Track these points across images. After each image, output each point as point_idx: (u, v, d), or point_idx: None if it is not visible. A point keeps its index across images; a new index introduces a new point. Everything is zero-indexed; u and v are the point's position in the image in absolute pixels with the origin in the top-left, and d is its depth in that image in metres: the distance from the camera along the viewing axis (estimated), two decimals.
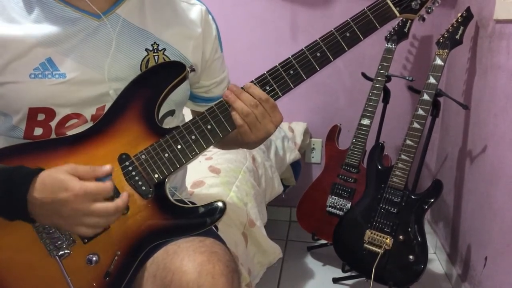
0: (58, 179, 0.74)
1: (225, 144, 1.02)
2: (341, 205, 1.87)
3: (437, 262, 2.01)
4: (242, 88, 0.84)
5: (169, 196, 0.85)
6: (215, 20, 1.01)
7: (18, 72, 0.82)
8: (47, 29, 0.83)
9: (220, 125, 0.84)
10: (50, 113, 0.85)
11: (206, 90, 1.03)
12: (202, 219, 0.84)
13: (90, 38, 0.85)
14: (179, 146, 0.84)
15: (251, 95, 0.82)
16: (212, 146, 0.89)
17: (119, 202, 0.77)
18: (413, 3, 0.86)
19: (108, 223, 0.78)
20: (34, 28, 0.82)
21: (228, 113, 0.84)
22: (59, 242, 0.80)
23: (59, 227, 0.78)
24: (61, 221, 0.75)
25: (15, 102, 0.84)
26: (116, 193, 0.82)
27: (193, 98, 1.04)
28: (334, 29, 0.84)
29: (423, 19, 0.90)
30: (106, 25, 0.86)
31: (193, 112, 1.08)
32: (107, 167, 0.78)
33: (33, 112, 0.84)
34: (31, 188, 0.74)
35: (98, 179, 0.77)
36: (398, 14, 0.85)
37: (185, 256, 0.79)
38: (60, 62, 0.83)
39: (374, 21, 0.84)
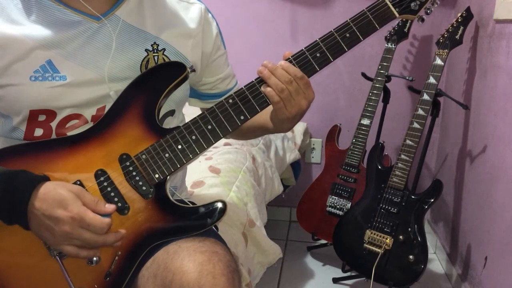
0: (61, 195, 0.74)
1: (250, 132, 1.02)
2: (341, 205, 1.87)
3: (437, 262, 2.01)
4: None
5: (170, 196, 0.85)
6: (215, 18, 1.01)
7: (19, 75, 0.82)
8: (47, 31, 0.83)
9: (220, 125, 0.84)
10: (50, 114, 0.85)
11: (211, 86, 1.04)
12: (202, 219, 0.84)
13: (90, 40, 0.85)
14: (179, 146, 0.84)
15: (286, 71, 0.82)
16: (212, 146, 0.89)
17: (110, 237, 0.77)
18: (412, 4, 0.86)
19: (90, 252, 0.77)
20: (34, 30, 0.82)
21: (228, 113, 0.84)
22: None
23: (47, 241, 0.77)
24: (50, 237, 0.75)
25: (15, 104, 0.84)
26: (116, 194, 0.82)
27: (200, 96, 1.05)
28: (333, 29, 0.84)
29: (422, 20, 0.90)
30: (106, 27, 0.86)
31: (202, 110, 1.08)
32: (111, 207, 0.78)
33: (34, 114, 0.85)
34: (33, 195, 0.74)
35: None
36: (397, 15, 0.86)
37: (185, 256, 0.79)
38: (60, 65, 0.83)
39: (374, 22, 0.85)
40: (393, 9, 0.85)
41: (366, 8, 0.85)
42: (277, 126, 0.92)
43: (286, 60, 0.84)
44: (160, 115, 0.89)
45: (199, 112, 0.86)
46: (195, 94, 1.06)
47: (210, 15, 1.00)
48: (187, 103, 1.07)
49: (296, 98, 0.83)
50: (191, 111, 1.08)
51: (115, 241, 0.78)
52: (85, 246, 0.76)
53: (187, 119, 0.87)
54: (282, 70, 0.82)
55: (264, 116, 0.89)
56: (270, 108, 0.86)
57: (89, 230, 0.74)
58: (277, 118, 0.87)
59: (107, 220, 0.76)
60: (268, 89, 0.83)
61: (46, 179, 0.77)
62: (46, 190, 0.74)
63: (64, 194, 0.74)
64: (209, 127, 0.84)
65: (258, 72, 0.84)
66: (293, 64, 0.84)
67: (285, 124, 0.89)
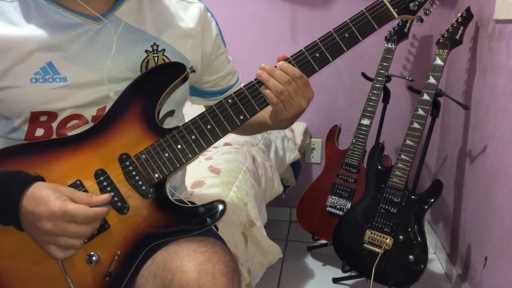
0: (45, 193, 0.73)
1: (251, 128, 1.02)
2: (341, 205, 1.87)
3: (437, 262, 2.01)
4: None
5: (169, 196, 0.85)
6: (214, 17, 1.01)
7: (19, 77, 0.82)
8: (47, 33, 0.83)
9: (220, 125, 0.84)
10: (52, 115, 0.85)
11: (213, 84, 1.04)
12: (202, 219, 0.84)
13: (91, 41, 0.85)
14: (179, 146, 0.84)
15: (284, 72, 0.82)
16: (212, 146, 0.89)
17: (96, 225, 0.76)
18: (411, 5, 0.86)
19: (80, 245, 0.76)
20: (34, 32, 0.82)
21: (228, 113, 0.84)
22: None
23: (35, 241, 0.77)
24: (36, 236, 0.75)
25: (16, 106, 0.84)
26: (116, 193, 0.82)
27: (203, 94, 1.05)
28: (333, 30, 0.85)
29: (421, 20, 0.90)
30: (106, 28, 0.86)
31: (206, 107, 1.08)
32: (104, 196, 0.78)
33: (35, 115, 0.85)
34: (23, 195, 0.74)
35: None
36: (396, 15, 0.86)
37: (185, 256, 0.79)
38: (60, 66, 0.83)
39: (373, 22, 0.85)
40: (392, 9, 0.85)
41: (365, 9, 0.85)
42: (276, 125, 0.93)
43: (285, 60, 0.84)
44: (160, 116, 0.89)
45: (200, 111, 0.86)
46: (198, 93, 1.06)
47: (209, 14, 1.00)
48: (189, 102, 1.07)
49: (296, 98, 0.83)
50: (191, 111, 1.08)
51: (103, 213, 0.76)
52: (71, 246, 0.75)
53: (187, 119, 0.87)
54: (280, 71, 0.82)
55: (263, 113, 0.89)
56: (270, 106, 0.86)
57: (76, 222, 0.73)
58: (276, 118, 0.87)
59: (96, 208, 0.75)
60: (267, 91, 0.83)
61: (40, 179, 0.77)
62: (34, 189, 0.74)
63: (48, 192, 0.73)
64: (209, 127, 0.84)
65: (257, 75, 0.84)
66: (292, 64, 0.84)
67: (284, 123, 0.90)
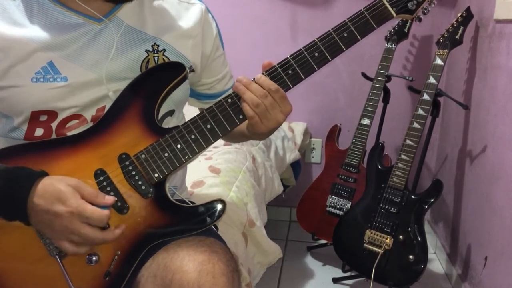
0: (59, 190, 0.74)
1: (234, 136, 1.02)
2: (341, 205, 1.87)
3: (437, 262, 2.01)
4: (252, 80, 0.84)
5: (169, 196, 0.85)
6: (215, 18, 1.01)
7: (20, 76, 0.82)
8: (48, 33, 0.83)
9: (219, 125, 0.84)
10: (52, 114, 0.86)
11: (209, 87, 1.04)
12: (202, 219, 0.84)
13: (92, 42, 0.86)
14: (178, 146, 0.84)
15: (260, 85, 0.82)
16: (212, 146, 0.89)
17: (109, 235, 0.78)
18: (409, 4, 0.86)
19: (90, 247, 0.78)
20: (36, 32, 0.82)
21: (227, 112, 0.84)
22: None
23: (46, 235, 0.79)
24: (49, 232, 0.76)
25: (17, 105, 0.84)
26: (116, 193, 0.82)
27: (197, 96, 1.05)
28: (331, 29, 0.85)
29: (420, 20, 0.90)
30: (108, 29, 0.86)
31: (200, 110, 1.08)
32: (110, 198, 0.78)
33: (35, 114, 0.85)
34: (32, 191, 0.74)
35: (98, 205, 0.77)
36: (394, 15, 0.86)
37: (185, 256, 0.80)
38: (61, 66, 0.84)
39: (371, 22, 0.85)
40: (390, 8, 0.85)
41: (363, 8, 0.85)
42: (253, 137, 0.94)
43: (271, 68, 0.84)
44: (160, 115, 0.89)
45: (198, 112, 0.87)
46: (193, 94, 1.06)
47: (210, 15, 1.00)
48: (187, 103, 1.07)
49: (272, 112, 0.83)
50: (191, 111, 1.08)
51: (114, 237, 0.78)
52: (84, 243, 0.77)
53: (187, 119, 0.87)
54: (256, 84, 0.82)
55: (244, 124, 0.89)
56: None
57: (89, 223, 0.75)
58: (252, 130, 0.86)
59: (106, 211, 0.76)
60: (244, 103, 0.83)
61: (45, 174, 0.77)
62: (45, 185, 0.75)
63: (63, 189, 0.74)
64: (208, 126, 0.84)
65: (233, 88, 0.84)
66: (276, 74, 0.83)
67: (260, 136, 0.90)
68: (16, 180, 0.75)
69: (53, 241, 0.78)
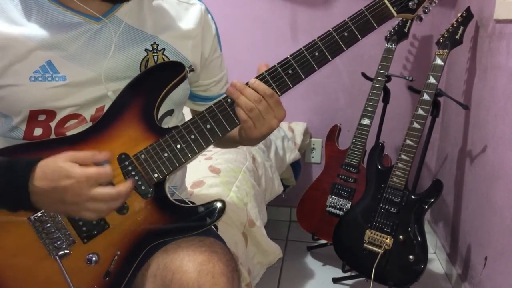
0: (59, 166, 0.74)
1: (226, 142, 1.02)
2: (341, 205, 1.87)
3: (437, 262, 2.01)
4: (246, 84, 0.84)
5: (169, 196, 0.85)
6: (214, 19, 1.01)
7: (19, 75, 0.82)
8: (47, 32, 0.83)
9: (219, 125, 0.84)
10: (50, 114, 0.85)
11: (205, 89, 1.04)
12: (202, 219, 0.84)
13: (90, 41, 0.85)
14: (178, 146, 0.84)
15: (255, 90, 0.82)
16: (212, 146, 0.89)
17: (121, 187, 0.77)
18: (410, 3, 0.86)
19: (110, 208, 0.78)
20: (34, 30, 0.82)
21: (227, 112, 0.84)
22: (58, 242, 0.80)
23: (65, 213, 0.79)
24: (65, 208, 0.76)
25: (15, 104, 0.84)
26: None
27: (192, 97, 1.05)
28: (332, 28, 0.84)
29: (421, 19, 0.90)
30: (106, 28, 0.86)
31: (192, 111, 1.08)
32: (105, 152, 0.79)
33: (34, 114, 0.85)
34: (31, 177, 0.74)
35: (97, 164, 0.77)
36: (395, 14, 0.86)
37: (185, 256, 0.80)
38: (60, 65, 0.83)
39: (372, 21, 0.85)
40: (391, 8, 0.85)
41: (364, 7, 0.85)
42: (245, 142, 0.93)
43: (269, 70, 0.84)
44: (159, 115, 0.89)
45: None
46: (189, 95, 1.06)
47: (210, 16, 1.00)
48: None
49: (266, 117, 0.83)
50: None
51: (127, 189, 0.77)
52: (101, 207, 0.76)
53: (187, 119, 0.87)
54: (250, 89, 0.82)
55: (234, 130, 0.88)
56: None
57: (99, 183, 0.75)
58: (246, 135, 0.86)
59: (108, 167, 0.77)
60: (237, 108, 0.82)
61: (41, 160, 0.77)
62: (42, 168, 0.75)
63: (60, 164, 0.74)
64: (208, 126, 0.84)
65: (227, 92, 0.84)
66: (275, 75, 0.83)
67: (253, 141, 0.90)
68: (14, 170, 0.75)
69: (74, 215, 0.78)
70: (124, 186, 0.78)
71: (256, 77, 0.85)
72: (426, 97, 1.59)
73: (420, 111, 1.59)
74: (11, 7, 0.83)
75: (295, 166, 2.14)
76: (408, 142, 1.60)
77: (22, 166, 0.76)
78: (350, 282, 1.84)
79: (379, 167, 1.68)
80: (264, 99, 0.82)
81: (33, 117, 0.85)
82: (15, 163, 0.77)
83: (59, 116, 0.86)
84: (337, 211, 1.87)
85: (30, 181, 0.74)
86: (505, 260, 1.40)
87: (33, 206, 0.76)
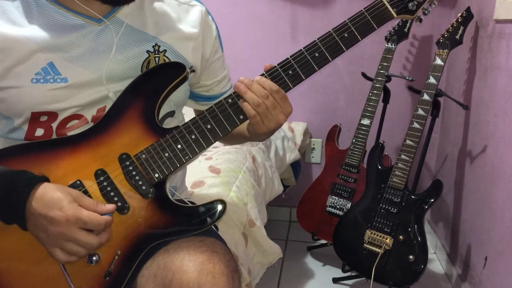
0: (58, 196, 0.74)
1: (234, 138, 1.02)
2: (341, 205, 1.87)
3: (437, 262, 2.01)
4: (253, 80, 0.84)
5: (169, 196, 0.85)
6: (215, 20, 1.01)
7: (20, 77, 0.82)
8: (48, 34, 0.83)
9: (220, 125, 0.84)
10: (52, 115, 0.86)
11: (207, 89, 1.04)
12: (202, 219, 0.84)
13: (92, 42, 0.85)
14: (179, 146, 0.84)
15: (261, 86, 0.83)
16: (212, 146, 0.89)
17: (103, 237, 0.77)
18: (410, 4, 0.86)
19: (85, 255, 0.78)
20: (36, 32, 0.82)
21: (228, 112, 0.84)
22: None
23: (42, 243, 0.78)
24: (44, 237, 0.76)
25: (17, 106, 0.84)
26: (116, 193, 0.82)
27: (195, 97, 1.05)
28: (332, 29, 0.85)
29: (420, 20, 0.90)
30: (108, 30, 0.86)
31: (195, 111, 1.08)
32: (110, 206, 0.79)
33: (35, 115, 0.85)
34: (31, 195, 0.74)
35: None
36: (395, 15, 0.86)
37: (185, 256, 0.80)
38: (61, 67, 0.83)
39: (372, 22, 0.85)
40: (391, 9, 0.85)
41: (364, 8, 0.85)
42: (254, 137, 0.93)
43: (272, 68, 0.84)
44: (161, 116, 0.89)
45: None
46: (191, 95, 1.06)
47: (210, 17, 1.00)
48: None
49: (273, 112, 0.84)
50: (191, 111, 1.08)
51: (107, 238, 0.78)
52: (78, 251, 0.76)
53: (187, 120, 0.87)
54: (257, 85, 0.83)
55: (242, 125, 0.89)
56: None
57: (87, 228, 0.75)
58: (253, 131, 0.87)
59: (107, 217, 0.76)
60: (245, 103, 0.83)
61: (46, 179, 0.78)
62: (44, 190, 0.75)
63: (61, 196, 0.74)
64: (209, 126, 0.84)
65: (234, 88, 0.84)
66: (279, 73, 0.83)
67: (261, 137, 0.90)
68: (17, 184, 0.75)
69: (46, 247, 0.77)
70: (106, 236, 0.78)
71: None
72: (426, 97, 1.59)
73: (420, 111, 1.59)
74: (12, 8, 0.83)
75: (295, 166, 2.15)
76: (408, 142, 1.60)
77: (24, 181, 0.75)
78: (350, 282, 1.84)
79: (379, 167, 1.68)
80: (271, 94, 0.83)
81: (34, 118, 0.85)
82: (17, 176, 0.76)
83: (60, 117, 0.86)
84: (337, 211, 1.87)
85: (29, 199, 0.74)
86: (505, 260, 1.40)
87: (25, 225, 0.76)
